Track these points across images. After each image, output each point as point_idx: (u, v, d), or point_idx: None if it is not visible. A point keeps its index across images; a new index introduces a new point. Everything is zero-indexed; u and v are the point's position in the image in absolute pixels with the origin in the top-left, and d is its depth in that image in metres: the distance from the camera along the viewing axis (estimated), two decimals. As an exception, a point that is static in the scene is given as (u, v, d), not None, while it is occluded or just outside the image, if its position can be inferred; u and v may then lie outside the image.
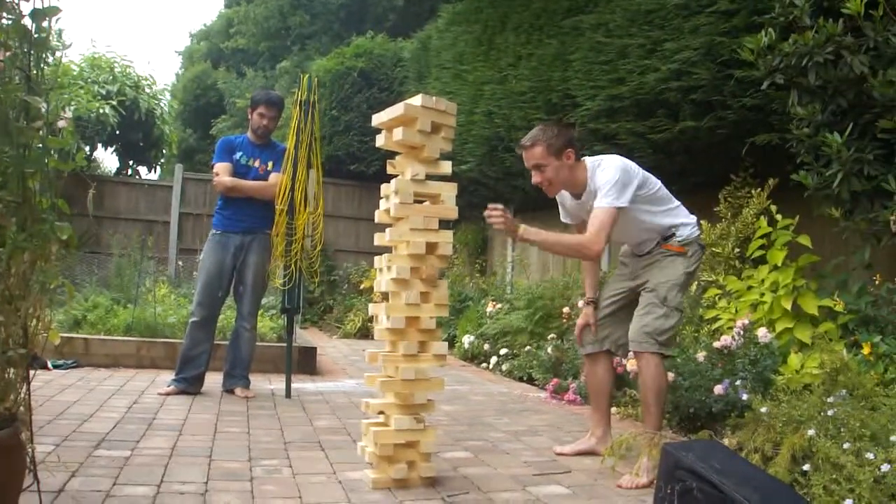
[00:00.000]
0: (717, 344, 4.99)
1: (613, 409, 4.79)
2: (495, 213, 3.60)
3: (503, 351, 8.10)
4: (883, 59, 4.44)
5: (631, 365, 5.11)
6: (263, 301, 9.80)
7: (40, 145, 2.55)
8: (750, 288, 5.53)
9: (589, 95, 7.29)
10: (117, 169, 15.14)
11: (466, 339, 9.06)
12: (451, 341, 9.54)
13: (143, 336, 7.35)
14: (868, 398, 3.70)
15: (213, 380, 5.94)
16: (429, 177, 3.50)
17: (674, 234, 3.99)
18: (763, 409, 3.70)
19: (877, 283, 5.12)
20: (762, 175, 6.12)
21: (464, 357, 9.06)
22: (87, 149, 13.19)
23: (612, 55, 7.00)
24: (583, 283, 4.50)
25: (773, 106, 5.36)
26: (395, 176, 3.53)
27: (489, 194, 3.62)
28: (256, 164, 5.88)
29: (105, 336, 7.32)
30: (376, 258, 3.59)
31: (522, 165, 4.10)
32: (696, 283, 6.15)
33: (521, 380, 7.40)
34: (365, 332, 11.57)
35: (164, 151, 15.81)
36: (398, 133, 3.39)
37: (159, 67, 76.30)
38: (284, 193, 5.66)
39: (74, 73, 13.28)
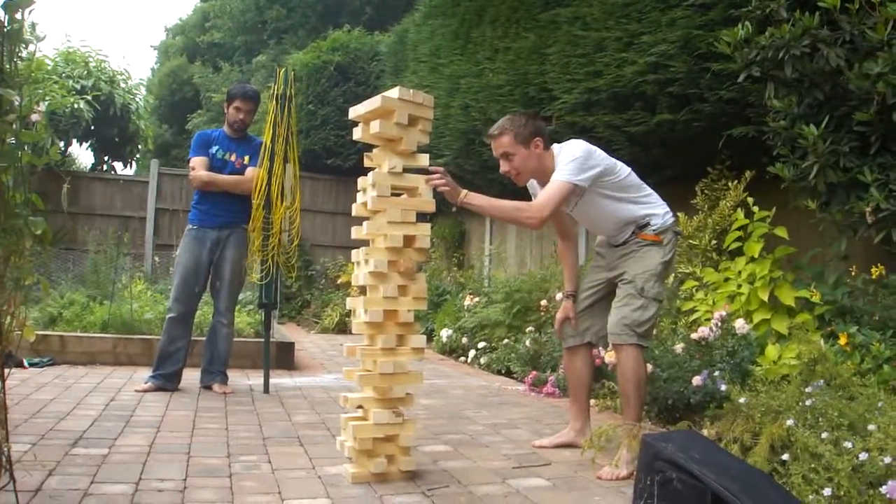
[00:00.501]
0: (694, 335, 5.01)
1: (592, 402, 4.80)
2: (437, 177, 3.57)
3: (481, 344, 8.11)
4: (859, 52, 4.47)
5: (609, 357, 5.12)
6: (241, 296, 9.78)
7: (13, 139, 2.52)
8: (727, 280, 5.56)
9: (566, 89, 7.29)
10: (92, 164, 15.05)
11: (444, 333, 9.06)
12: (430, 335, 9.55)
13: (120, 333, 7.31)
14: (845, 388, 3.72)
15: (191, 376, 5.91)
16: (406, 170, 3.49)
17: (648, 224, 3.98)
18: (741, 400, 3.71)
19: (853, 274, 5.15)
20: (739, 167, 6.14)
21: (442, 351, 9.06)
22: (62, 144, 13.11)
23: (589, 48, 7.01)
24: (560, 275, 4.50)
25: (750, 99, 5.39)
26: (373, 169, 3.52)
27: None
28: (233, 158, 5.85)
29: (81, 333, 7.27)
30: (353, 251, 3.57)
31: (498, 162, 4.10)
32: (673, 275, 6.17)
33: (499, 373, 7.40)
34: (343, 327, 11.57)
35: (139, 147, 15.71)
36: (375, 126, 3.38)
37: (134, 62, 75.76)
38: (261, 188, 5.63)
39: (49, 68, 13.18)
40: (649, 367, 4.67)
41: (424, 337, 3.59)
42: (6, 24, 2.45)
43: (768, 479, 2.67)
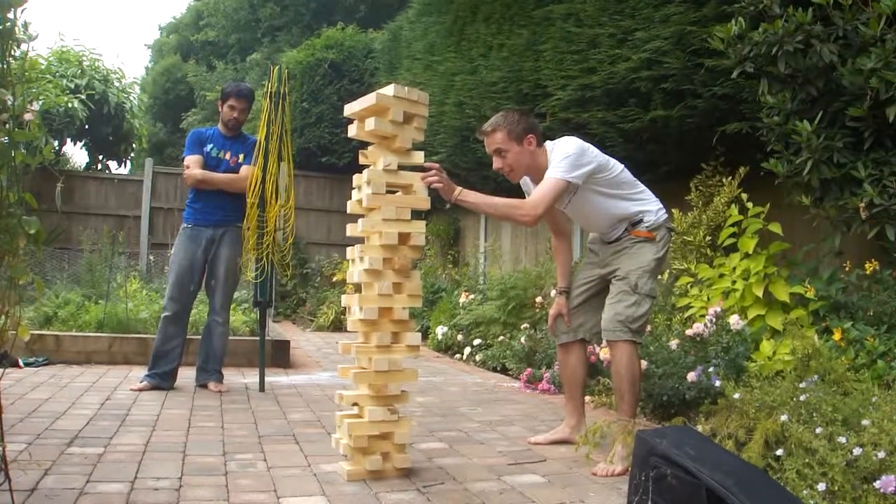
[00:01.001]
0: (689, 332, 5.02)
1: (587, 398, 4.80)
2: (431, 174, 3.56)
3: (476, 341, 8.11)
4: (852, 47, 4.47)
5: (604, 353, 5.13)
6: (236, 295, 9.77)
7: (6, 139, 2.52)
8: (721, 276, 5.57)
9: (560, 85, 7.29)
10: (87, 164, 15.04)
11: (440, 331, 9.06)
12: (425, 333, 9.54)
13: (115, 332, 7.30)
14: (839, 383, 3.73)
15: (186, 375, 5.91)
16: (401, 167, 3.49)
17: (641, 220, 3.99)
18: (736, 396, 3.71)
19: (847, 269, 5.17)
20: (733, 163, 6.14)
21: (437, 348, 9.07)
22: (56, 143, 13.07)
23: (582, 45, 7.01)
24: (555, 272, 4.50)
25: (744, 94, 5.39)
26: (367, 166, 3.52)
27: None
28: (227, 156, 5.84)
29: (76, 332, 7.27)
30: (348, 249, 3.57)
31: (491, 159, 4.09)
32: (667, 271, 6.18)
33: (494, 370, 7.41)
34: (338, 325, 11.57)
35: (133, 145, 15.70)
36: (370, 123, 3.38)
37: (128, 61, 75.63)
38: (255, 186, 5.63)
39: (42, 67, 13.12)
40: (644, 363, 4.68)
41: (419, 334, 3.59)
42: (-1, 23, 2.45)
43: (763, 474, 2.67)
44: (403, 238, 3.46)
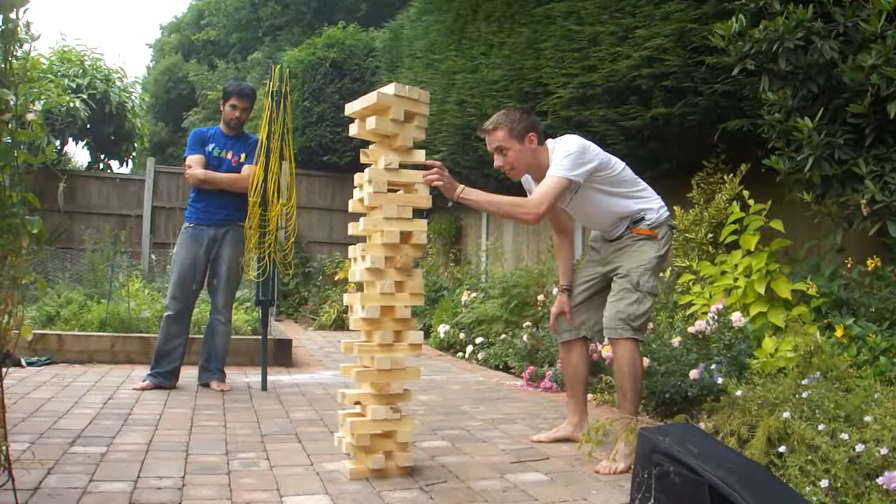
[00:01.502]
0: (691, 329, 5.02)
1: (589, 396, 4.80)
2: (432, 173, 3.56)
3: (479, 340, 8.12)
4: (853, 44, 4.47)
5: (606, 351, 5.13)
6: (238, 294, 9.79)
7: (9, 139, 2.52)
8: (723, 273, 5.57)
9: (561, 83, 7.29)
10: (88, 163, 15.04)
11: (442, 329, 9.07)
12: (427, 331, 9.55)
13: (118, 331, 7.31)
14: (842, 380, 3.73)
15: (189, 374, 5.92)
16: (402, 166, 3.49)
17: (643, 218, 3.99)
18: (738, 393, 3.71)
19: (849, 266, 5.17)
20: (734, 160, 6.15)
21: (439, 347, 9.07)
22: (58, 143, 13.09)
23: (583, 43, 7.01)
24: (557, 270, 4.50)
25: (745, 92, 5.40)
26: (369, 165, 3.52)
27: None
28: (229, 156, 5.85)
29: (79, 332, 7.27)
30: (350, 248, 3.57)
31: (492, 157, 4.09)
32: (669, 268, 6.18)
33: (496, 368, 7.41)
34: (340, 324, 11.57)
35: (135, 145, 15.69)
36: (371, 122, 3.38)
37: (130, 60, 75.68)
38: (257, 185, 5.63)
39: (44, 67, 13.14)
40: (646, 360, 4.69)
41: (422, 333, 3.59)
42: (1, 23, 2.45)
43: (765, 471, 2.68)
44: (405, 237, 3.46)
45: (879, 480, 2.69)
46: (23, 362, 6.46)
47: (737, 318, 4.89)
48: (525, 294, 7.87)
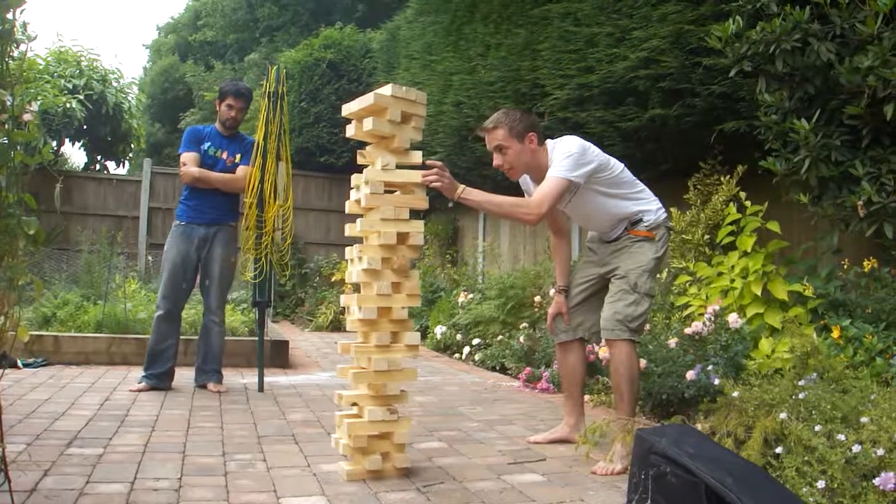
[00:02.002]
0: (688, 330, 5.02)
1: (586, 397, 4.80)
2: (431, 173, 3.54)
3: (475, 341, 8.11)
4: (849, 45, 4.48)
5: (603, 352, 5.14)
6: (235, 295, 9.77)
7: (5, 139, 2.52)
8: (720, 274, 5.57)
9: (558, 84, 7.30)
10: (85, 164, 15.03)
11: (439, 330, 9.06)
12: (424, 332, 9.54)
13: (114, 332, 7.30)
14: (838, 381, 3.73)
15: (185, 375, 5.91)
16: (400, 167, 3.49)
17: (641, 220, 3.99)
18: (735, 394, 3.72)
19: (845, 267, 5.18)
20: (731, 162, 6.15)
21: (436, 348, 9.06)
22: (54, 143, 13.07)
23: (580, 44, 7.01)
24: (553, 271, 4.51)
25: (741, 93, 5.40)
26: (366, 166, 3.52)
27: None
28: (224, 155, 5.83)
29: (75, 333, 7.26)
30: (347, 249, 3.57)
31: (492, 157, 4.09)
32: (666, 269, 6.18)
33: (493, 369, 7.41)
34: (337, 325, 11.57)
35: (132, 146, 15.68)
36: (368, 123, 3.38)
37: (126, 61, 75.66)
38: (254, 186, 5.63)
39: (40, 67, 13.14)
40: (643, 362, 4.69)
41: (418, 334, 3.59)
42: (-2, 24, 2.45)
43: (762, 472, 2.68)
44: (402, 238, 3.46)
45: (876, 481, 2.70)
46: (19, 364, 6.46)
47: (733, 319, 4.89)
48: (522, 295, 7.87)
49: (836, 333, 4.49)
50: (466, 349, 8.19)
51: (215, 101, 6.09)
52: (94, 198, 13.37)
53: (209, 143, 5.84)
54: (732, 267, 5.49)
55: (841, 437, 2.99)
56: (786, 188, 4.99)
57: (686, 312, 5.64)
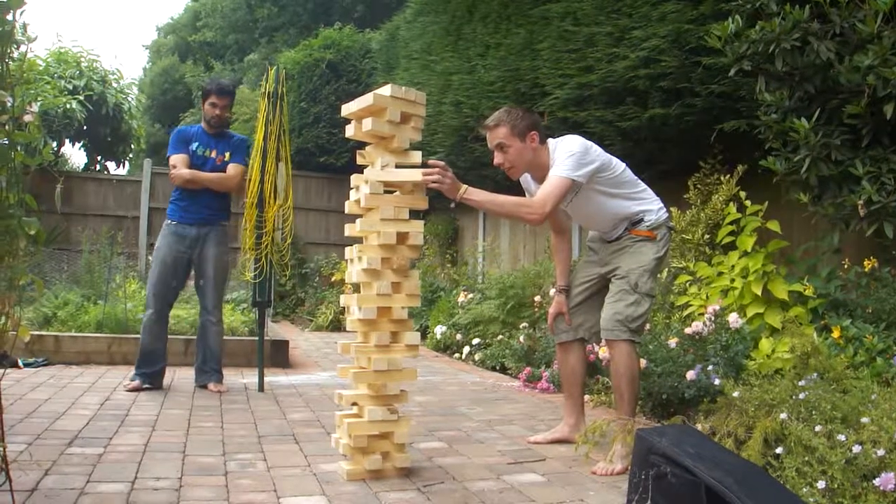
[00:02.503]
0: (688, 330, 5.02)
1: (586, 397, 4.80)
2: (432, 172, 3.51)
3: (475, 341, 8.11)
4: (849, 45, 4.48)
5: (603, 352, 5.14)
6: (234, 295, 9.78)
7: (6, 140, 2.52)
8: (720, 274, 5.57)
9: (557, 84, 7.30)
10: (85, 164, 15.01)
11: (438, 330, 9.06)
12: (424, 332, 9.54)
13: (115, 332, 7.29)
14: (838, 381, 3.74)
15: (186, 375, 5.92)
16: (404, 166, 3.49)
17: (642, 220, 3.98)
18: (735, 394, 3.72)
19: (846, 267, 5.18)
20: (731, 161, 6.15)
21: (436, 348, 9.06)
22: (55, 144, 13.08)
23: (580, 44, 7.01)
24: (554, 271, 4.50)
25: (741, 92, 5.40)
26: (365, 166, 3.52)
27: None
28: (213, 154, 5.79)
29: (76, 333, 7.26)
30: (347, 249, 3.57)
31: (492, 155, 4.08)
32: (666, 269, 6.18)
33: (493, 369, 7.41)
34: (337, 325, 11.57)
35: (132, 146, 15.67)
36: (367, 123, 3.38)
37: (126, 62, 75.72)
38: (254, 186, 5.62)
39: (40, 68, 13.11)
40: (643, 362, 4.69)
41: (418, 334, 3.59)
42: (-2, 24, 2.45)
43: (762, 472, 2.68)
44: (402, 238, 3.46)
45: (876, 482, 2.70)
46: (20, 363, 6.45)
47: (734, 319, 4.89)
48: (522, 295, 7.87)
49: (836, 333, 4.49)
50: (466, 349, 8.19)
51: (199, 101, 6.04)
52: (95, 198, 13.35)
53: (197, 143, 5.79)
54: (733, 267, 5.49)
55: (841, 437, 2.99)
56: (786, 188, 4.99)
57: (686, 312, 5.64)
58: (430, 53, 10.79)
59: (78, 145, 14.30)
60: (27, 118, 2.77)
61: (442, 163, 3.53)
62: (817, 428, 3.11)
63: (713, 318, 4.98)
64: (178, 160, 5.73)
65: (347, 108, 3.55)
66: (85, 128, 13.44)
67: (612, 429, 3.75)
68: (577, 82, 6.99)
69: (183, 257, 5.74)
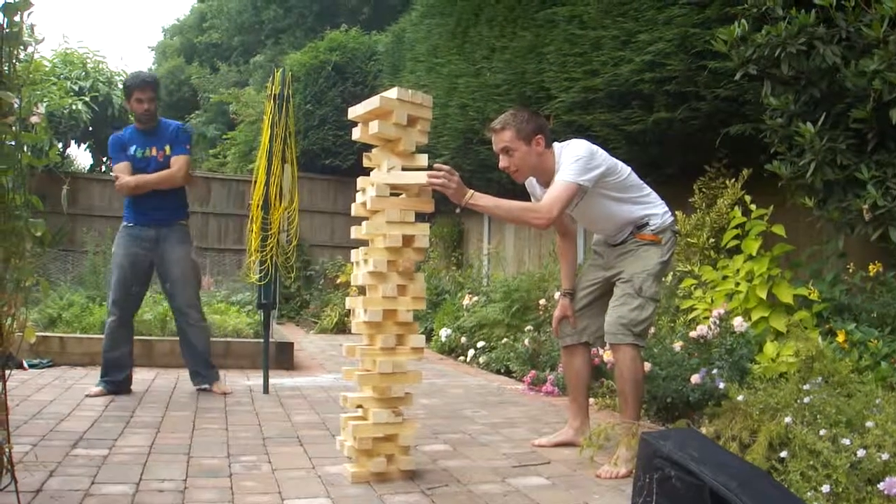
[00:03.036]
0: (693, 334, 5.02)
1: (591, 400, 4.80)
2: (438, 175, 3.48)
3: (480, 344, 8.11)
4: (855, 49, 4.47)
5: (608, 356, 5.13)
6: (239, 297, 9.78)
7: (13, 141, 2.53)
8: (725, 278, 5.56)
9: (563, 87, 7.30)
10: (91, 166, 15.05)
11: (443, 333, 9.06)
12: (429, 335, 9.54)
13: (119, 333, 7.29)
14: (843, 385, 3.73)
15: (188, 376, 5.91)
16: (405, 170, 3.50)
17: (647, 224, 3.98)
18: (740, 398, 3.72)
19: (850, 271, 5.17)
20: (736, 165, 6.15)
21: (441, 350, 9.06)
22: (61, 145, 13.10)
23: (586, 47, 7.01)
24: (559, 274, 4.50)
25: (747, 96, 5.40)
26: (371, 169, 3.52)
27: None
28: (154, 152, 5.59)
29: (81, 334, 7.27)
30: (353, 251, 3.58)
31: (497, 159, 4.07)
32: (671, 273, 6.18)
33: (498, 372, 7.40)
34: (342, 327, 11.56)
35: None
36: (374, 126, 3.39)
37: (132, 63, 75.68)
38: (259, 188, 5.63)
39: (47, 69, 13.16)
40: (648, 365, 4.69)
41: (423, 336, 3.59)
42: (5, 26, 2.46)
43: (766, 476, 2.68)
44: (407, 240, 3.46)
45: (881, 486, 2.70)
46: (25, 364, 6.46)
47: (738, 322, 4.89)
48: (527, 298, 7.87)
49: (841, 337, 4.49)
50: (471, 352, 8.19)
51: (125, 100, 5.83)
52: (100, 199, 13.36)
53: (135, 146, 5.59)
54: (738, 270, 5.48)
55: (846, 441, 2.99)
56: (791, 192, 4.99)
57: (691, 316, 5.64)
58: (435, 56, 10.80)
59: (84, 146, 14.33)
60: (34, 119, 2.78)
61: (447, 167, 3.52)
62: (822, 432, 3.11)
63: (718, 322, 4.98)
64: (119, 169, 5.55)
65: (354, 111, 3.56)
66: (90, 129, 13.46)
67: (616, 432, 3.75)
68: (582, 86, 6.99)
69: (142, 260, 5.56)
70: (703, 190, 6.38)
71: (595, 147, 3.89)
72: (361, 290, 3.54)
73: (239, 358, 7.05)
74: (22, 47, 2.58)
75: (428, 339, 9.22)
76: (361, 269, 3.50)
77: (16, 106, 2.52)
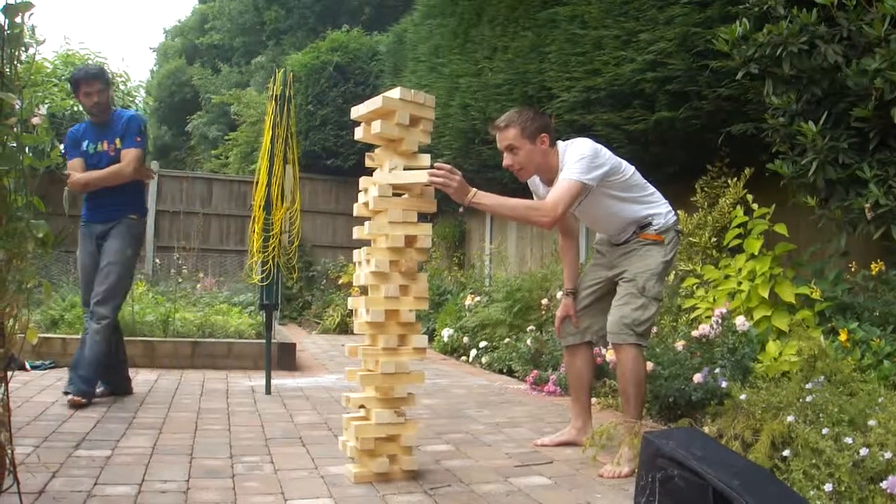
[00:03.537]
0: (695, 333, 5.01)
1: (593, 400, 4.80)
2: (438, 173, 3.47)
3: (482, 344, 8.11)
4: (856, 48, 4.47)
5: (610, 355, 5.13)
6: (241, 298, 9.77)
7: (14, 143, 2.53)
8: (727, 277, 5.55)
9: (565, 87, 7.30)
10: (92, 167, 15.02)
11: (446, 333, 9.06)
12: (431, 335, 9.55)
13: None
14: (846, 384, 3.73)
15: (192, 378, 5.92)
16: (407, 170, 3.49)
17: (650, 223, 3.98)
18: (742, 397, 3.71)
19: (853, 270, 5.17)
20: (738, 164, 6.15)
21: (443, 350, 9.07)
22: (62, 147, 13.09)
23: (587, 47, 7.01)
24: (561, 274, 4.49)
25: (749, 96, 5.39)
26: (374, 169, 3.52)
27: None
28: (105, 146, 5.47)
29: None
30: (355, 252, 3.58)
31: (500, 158, 4.07)
32: (673, 272, 6.17)
33: (500, 372, 7.41)
34: (344, 328, 11.58)
35: (139, 148, 15.68)
36: (376, 126, 3.39)
37: (134, 64, 75.79)
38: (261, 189, 5.63)
39: (48, 71, 13.16)
40: (650, 364, 4.69)
41: (426, 337, 3.59)
42: (6, 27, 2.46)
43: (769, 475, 2.68)
44: (410, 241, 3.46)
45: (883, 485, 2.70)
46: (27, 366, 6.47)
47: (741, 322, 4.88)
48: (529, 298, 7.87)
49: (843, 336, 4.48)
50: (473, 352, 8.19)
51: (73, 96, 5.66)
52: (101, 200, 13.35)
53: (87, 142, 5.51)
54: (740, 270, 5.47)
55: (848, 440, 2.99)
56: (793, 191, 4.98)
57: (693, 315, 5.64)
58: (437, 56, 10.81)
59: (85, 148, 14.30)
60: (35, 121, 2.78)
61: (448, 166, 3.51)
62: (824, 431, 3.11)
63: (720, 321, 4.97)
64: (71, 166, 5.49)
65: (357, 111, 3.56)
66: (92, 130, 13.44)
67: (619, 432, 3.75)
68: (584, 85, 6.99)
69: (96, 258, 5.41)
70: (705, 189, 6.38)
71: (599, 146, 3.88)
72: (364, 291, 3.55)
73: (241, 359, 7.05)
74: (23, 48, 2.58)
75: (430, 340, 9.22)
76: (364, 270, 3.50)
77: (17, 107, 2.52)
